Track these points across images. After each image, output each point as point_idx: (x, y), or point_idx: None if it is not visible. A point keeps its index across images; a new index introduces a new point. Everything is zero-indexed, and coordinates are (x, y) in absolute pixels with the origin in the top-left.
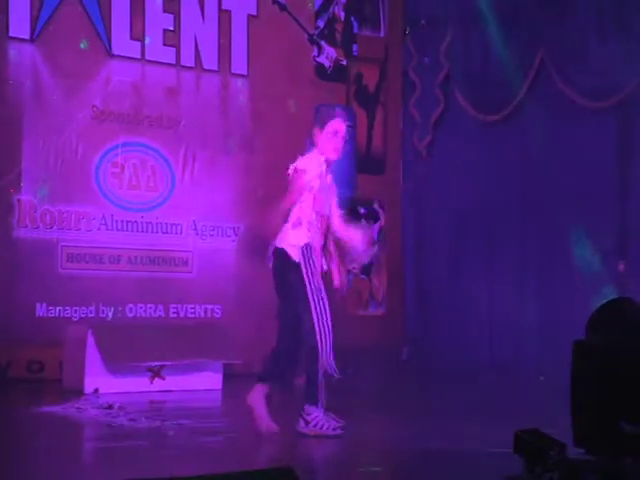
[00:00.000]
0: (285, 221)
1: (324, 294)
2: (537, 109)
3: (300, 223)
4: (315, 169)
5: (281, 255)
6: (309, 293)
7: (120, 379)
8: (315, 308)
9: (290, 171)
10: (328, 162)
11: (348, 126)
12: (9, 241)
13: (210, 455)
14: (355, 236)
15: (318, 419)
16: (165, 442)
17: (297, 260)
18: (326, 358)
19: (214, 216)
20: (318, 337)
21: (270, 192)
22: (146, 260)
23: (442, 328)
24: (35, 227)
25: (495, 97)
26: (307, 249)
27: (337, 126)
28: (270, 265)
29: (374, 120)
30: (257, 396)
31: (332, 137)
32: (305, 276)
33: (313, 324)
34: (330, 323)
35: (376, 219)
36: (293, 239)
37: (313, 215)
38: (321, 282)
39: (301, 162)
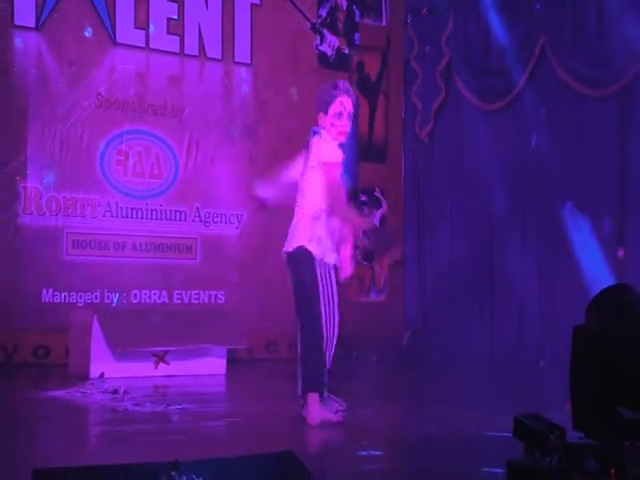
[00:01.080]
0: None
1: (335, 293)
2: (537, 97)
3: (319, 217)
4: (338, 158)
5: (297, 253)
6: (320, 287)
7: (125, 364)
8: (323, 300)
9: (315, 163)
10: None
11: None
12: (15, 228)
13: (213, 439)
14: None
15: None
16: (169, 426)
17: (313, 255)
18: (328, 352)
19: (218, 203)
20: (325, 328)
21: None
22: (150, 247)
23: (442, 314)
24: (41, 214)
25: (496, 85)
26: (322, 246)
27: (339, 107)
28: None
29: (376, 108)
30: (316, 409)
31: (337, 120)
32: (318, 271)
33: (320, 313)
34: (337, 323)
35: (378, 206)
36: (310, 233)
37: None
38: (334, 281)
39: (326, 154)
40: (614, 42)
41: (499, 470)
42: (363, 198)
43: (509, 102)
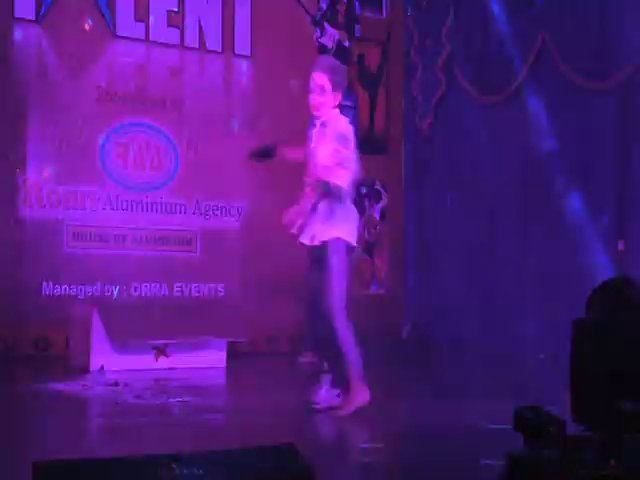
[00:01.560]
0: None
1: None
2: (538, 90)
3: None
4: None
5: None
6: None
7: (125, 357)
8: None
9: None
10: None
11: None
12: (15, 220)
13: (214, 432)
14: None
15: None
16: (170, 419)
17: None
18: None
19: (218, 196)
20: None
21: (273, 172)
22: (151, 239)
23: (443, 307)
24: (41, 206)
25: (496, 78)
26: None
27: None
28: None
29: (376, 101)
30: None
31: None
32: None
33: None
34: None
35: (378, 199)
36: None
37: None
38: None
39: None
40: (615, 35)
41: (499, 462)
42: (364, 191)
43: (509, 95)
